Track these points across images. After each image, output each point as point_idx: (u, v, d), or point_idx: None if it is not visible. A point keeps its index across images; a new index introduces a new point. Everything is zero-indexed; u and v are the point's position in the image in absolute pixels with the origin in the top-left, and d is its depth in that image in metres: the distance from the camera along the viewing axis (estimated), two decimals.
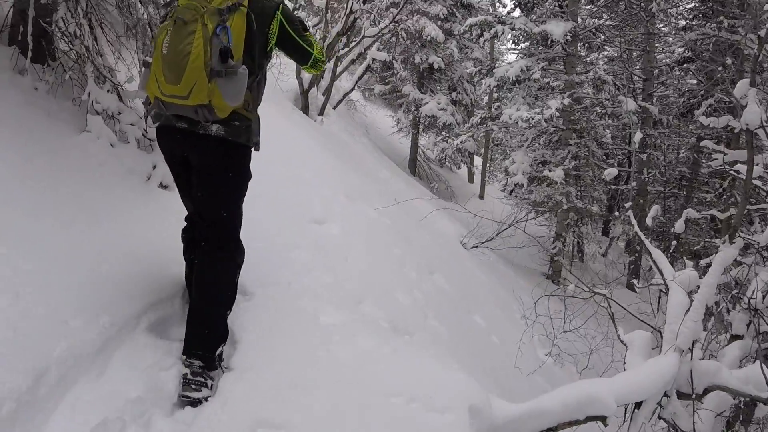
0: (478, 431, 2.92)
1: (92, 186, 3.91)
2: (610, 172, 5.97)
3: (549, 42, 13.59)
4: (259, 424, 2.28)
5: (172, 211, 4.11)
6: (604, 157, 17.20)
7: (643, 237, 4.57)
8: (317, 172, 8.26)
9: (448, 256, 9.57)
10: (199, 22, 2.54)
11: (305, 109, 13.27)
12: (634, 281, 7.97)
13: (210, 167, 2.85)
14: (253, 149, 2.98)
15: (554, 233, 13.87)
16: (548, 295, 4.98)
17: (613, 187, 15.75)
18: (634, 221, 4.96)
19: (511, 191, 13.73)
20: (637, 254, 13.55)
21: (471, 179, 21.99)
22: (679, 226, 5.19)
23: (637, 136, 6.48)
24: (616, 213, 12.23)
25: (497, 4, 20.35)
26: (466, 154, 19.84)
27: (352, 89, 16.26)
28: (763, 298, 4.19)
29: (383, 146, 18.59)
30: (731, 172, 4.93)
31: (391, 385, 2.78)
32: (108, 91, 4.55)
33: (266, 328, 3.17)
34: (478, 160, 22.47)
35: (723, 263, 3.69)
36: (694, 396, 3.53)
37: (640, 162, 14.70)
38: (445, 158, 19.34)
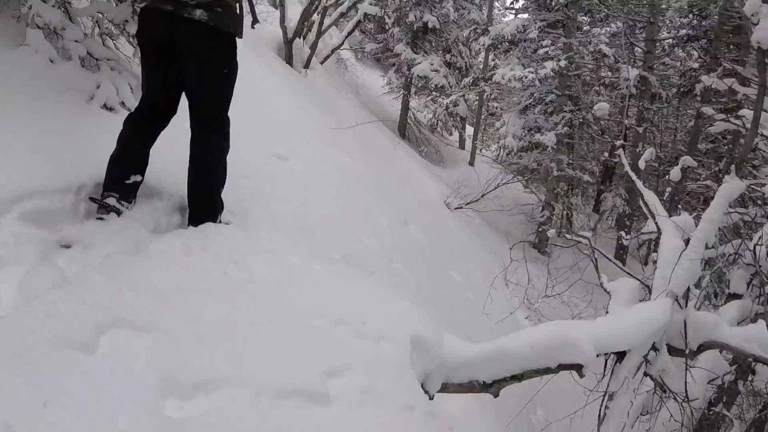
0: (424, 369, 2.40)
1: (21, 98, 3.37)
2: (601, 107, 5.43)
3: (550, 2, 12.96)
4: (115, 323, 1.74)
5: (110, 132, 3.56)
6: (600, 132, 16.68)
7: (634, 176, 4.04)
8: (291, 117, 7.72)
9: (429, 212, 9.04)
10: None
11: (289, 60, 12.58)
12: (622, 233, 7.44)
13: (198, 56, 2.94)
14: (237, 38, 3.08)
15: (543, 202, 13.33)
16: (524, 241, 4.44)
17: (606, 159, 15.20)
18: (624, 160, 4.44)
19: (498, 155, 13.10)
20: (626, 228, 13.07)
21: (462, 146, 21.26)
22: (674, 174, 4.67)
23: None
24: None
25: None
26: (458, 119, 19.18)
27: (342, 44, 15.56)
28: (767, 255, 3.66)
29: (373, 107, 17.93)
30: (734, 122, 4.37)
31: (314, 304, 2.25)
32: (53, 6, 4.07)
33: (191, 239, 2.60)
34: (471, 131, 21.81)
35: (728, 197, 3.16)
36: (687, 352, 3.02)
37: (635, 135, 14.13)
38: (437, 123, 18.67)
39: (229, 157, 3.95)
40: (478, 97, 18.11)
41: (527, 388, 4.37)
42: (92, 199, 2.86)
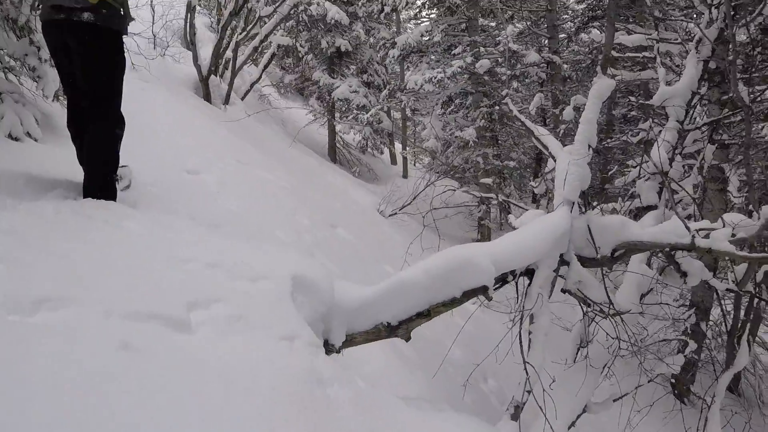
0: (314, 310, 2.28)
1: None
2: (482, 64, 5.48)
3: (450, 7, 13.27)
4: None
5: (14, 156, 3.74)
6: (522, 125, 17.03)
7: (522, 118, 4.10)
8: (205, 140, 7.53)
9: (360, 219, 8.95)
10: None
11: (207, 98, 12.50)
12: (532, 183, 7.51)
13: (86, 50, 3.27)
14: (122, 34, 3.46)
15: (478, 198, 13.44)
16: (434, 209, 4.41)
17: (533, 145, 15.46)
18: (512, 106, 4.47)
19: (431, 162, 13.18)
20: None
21: (394, 161, 21.35)
22: (567, 113, 4.72)
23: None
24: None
25: None
26: (385, 135, 19.31)
27: (260, 78, 15.55)
28: (670, 162, 3.70)
29: (300, 137, 17.89)
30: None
31: (187, 253, 2.11)
32: None
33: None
34: (400, 147, 21.96)
35: (600, 96, 3.17)
36: (599, 257, 2.97)
37: (555, 117, 14.49)
38: (366, 143, 18.74)
39: (133, 169, 3.99)
40: (399, 110, 18.29)
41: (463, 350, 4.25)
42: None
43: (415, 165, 20.54)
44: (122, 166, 3.69)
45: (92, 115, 3.38)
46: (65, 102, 4.81)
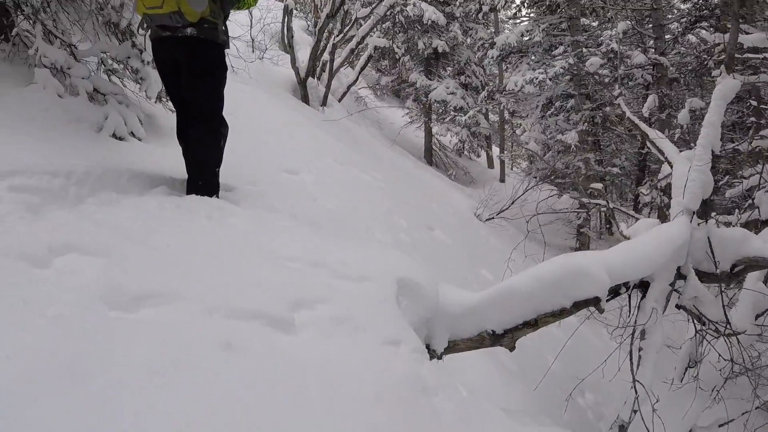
0: (418, 315, 2.21)
1: (31, 127, 3.48)
2: (593, 62, 5.19)
3: (551, 6, 12.91)
4: (71, 246, 1.79)
5: (116, 153, 3.90)
6: (627, 130, 16.34)
7: (636, 120, 3.85)
8: (304, 142, 7.67)
9: (457, 221, 8.84)
10: None
11: (305, 99, 12.71)
12: (642, 190, 7.09)
13: (192, 61, 3.55)
14: (224, 47, 3.70)
15: (578, 204, 12.96)
16: (538, 214, 4.27)
17: (637, 151, 14.77)
18: (625, 107, 4.22)
19: (530, 166, 12.84)
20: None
21: (491, 165, 21.06)
22: (682, 116, 4.41)
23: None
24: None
25: None
26: (483, 138, 19.05)
27: (356, 80, 15.72)
28: None
29: (398, 140, 17.97)
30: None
31: (291, 251, 2.11)
32: (58, 47, 4.33)
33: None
34: (498, 151, 21.62)
35: (725, 97, 2.92)
36: (718, 272, 2.74)
37: (660, 122, 13.78)
38: (462, 145, 18.56)
39: (234, 169, 4.12)
40: (497, 113, 17.97)
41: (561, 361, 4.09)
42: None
43: (512, 169, 20.14)
44: None
45: (198, 118, 3.63)
46: (168, 103, 5.02)
